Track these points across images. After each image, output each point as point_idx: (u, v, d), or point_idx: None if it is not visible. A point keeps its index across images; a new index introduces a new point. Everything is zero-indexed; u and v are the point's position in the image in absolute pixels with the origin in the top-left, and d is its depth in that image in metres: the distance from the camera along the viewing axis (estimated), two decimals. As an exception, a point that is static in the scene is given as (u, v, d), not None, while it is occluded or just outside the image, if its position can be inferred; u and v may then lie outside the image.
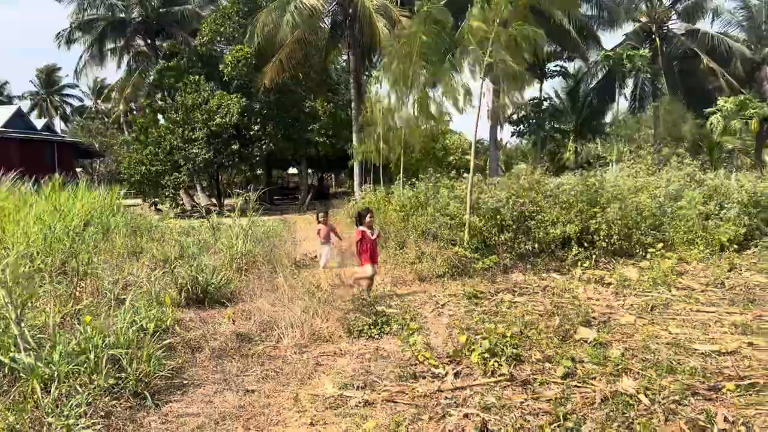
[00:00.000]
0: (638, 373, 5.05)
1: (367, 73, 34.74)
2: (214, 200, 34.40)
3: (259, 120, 29.11)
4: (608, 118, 35.70)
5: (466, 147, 40.83)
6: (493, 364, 5.26)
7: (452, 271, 9.72)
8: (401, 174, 16.96)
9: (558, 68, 30.58)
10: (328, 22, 30.57)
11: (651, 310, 7.11)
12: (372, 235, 8.44)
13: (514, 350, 5.57)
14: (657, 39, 30.50)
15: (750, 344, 5.69)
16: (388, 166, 22.23)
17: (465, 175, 11.94)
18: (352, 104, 28.13)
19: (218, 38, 30.89)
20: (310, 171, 42.26)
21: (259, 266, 10.63)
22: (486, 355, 5.44)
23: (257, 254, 11.07)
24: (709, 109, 24.15)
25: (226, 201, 33.99)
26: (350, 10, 27.80)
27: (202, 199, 35.67)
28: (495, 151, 27.41)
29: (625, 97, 31.90)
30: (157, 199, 28.68)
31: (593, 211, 10.78)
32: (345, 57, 35.48)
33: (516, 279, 9.34)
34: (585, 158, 39.38)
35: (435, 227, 11.60)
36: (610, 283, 8.69)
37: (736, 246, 10.51)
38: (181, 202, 31.14)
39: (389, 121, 18.61)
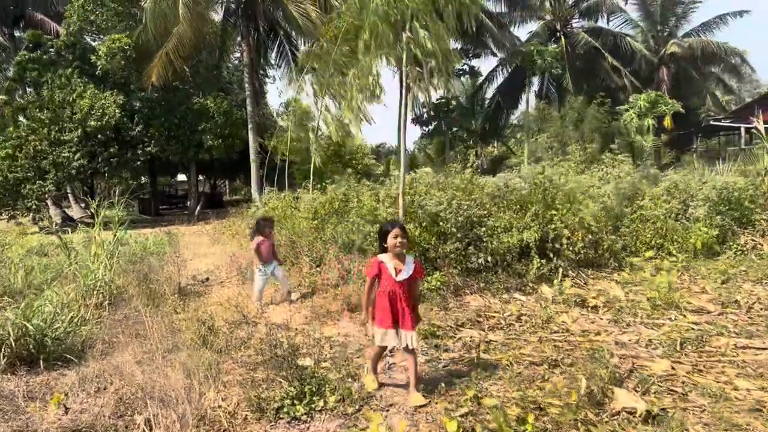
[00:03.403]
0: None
1: (263, 72, 31.96)
2: (90, 212, 30.30)
3: (140, 120, 25.59)
4: (513, 121, 35.01)
5: (368, 151, 39.02)
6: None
7: (391, 297, 7.46)
8: (311, 177, 14.63)
9: (465, 66, 29.24)
10: (220, 11, 27.60)
11: (681, 348, 5.18)
12: (397, 273, 4.49)
13: (539, 443, 3.40)
14: (562, 37, 29.92)
15: None
16: (289, 170, 19.90)
17: (395, 172, 9.74)
18: (248, 103, 25.26)
19: (89, 27, 26.94)
20: (201, 177, 38.71)
21: (129, 299, 7.91)
22: (500, 460, 3.22)
23: (126, 282, 8.32)
24: (622, 107, 23.60)
25: (105, 213, 30.00)
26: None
27: (75, 211, 31.40)
28: (405, 151, 25.49)
29: (536, 93, 31.23)
30: (17, 212, 24.41)
31: (551, 213, 8.92)
32: (238, 54, 32.69)
33: (474, 304, 7.23)
34: (487, 160, 38.52)
35: (359, 238, 9.34)
36: (596, 306, 6.76)
37: (718, 249, 9.03)
38: (48, 215, 26.85)
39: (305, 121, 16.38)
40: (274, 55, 31.43)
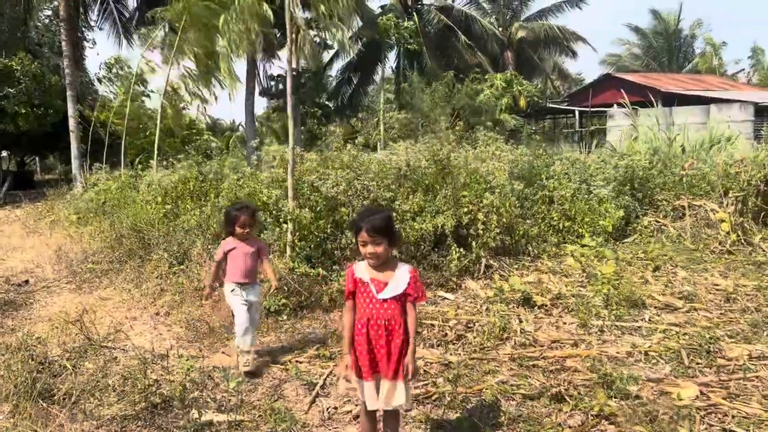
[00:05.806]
0: None
1: (80, 34, 27.73)
2: None
3: None
4: (365, 100, 34.02)
5: (202, 127, 36.05)
6: None
7: (292, 303, 5.88)
8: (155, 153, 12.33)
9: (317, 38, 27.48)
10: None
11: (690, 362, 4.21)
12: (379, 290, 2.84)
13: None
14: (414, 14, 29.33)
15: None
16: (116, 145, 17.12)
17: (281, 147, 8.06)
18: (66, 67, 21.40)
19: None
20: (4, 153, 33.19)
21: None
22: None
23: None
24: (479, 86, 23.50)
25: None
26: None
27: None
28: (253, 126, 23.33)
29: (392, 69, 30.50)
30: None
31: (461, 195, 7.79)
32: (49, 13, 28.20)
33: (397, 307, 5.86)
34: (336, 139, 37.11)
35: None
36: (544, 306, 5.71)
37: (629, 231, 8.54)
38: None
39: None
40: (96, 14, 27.38)
